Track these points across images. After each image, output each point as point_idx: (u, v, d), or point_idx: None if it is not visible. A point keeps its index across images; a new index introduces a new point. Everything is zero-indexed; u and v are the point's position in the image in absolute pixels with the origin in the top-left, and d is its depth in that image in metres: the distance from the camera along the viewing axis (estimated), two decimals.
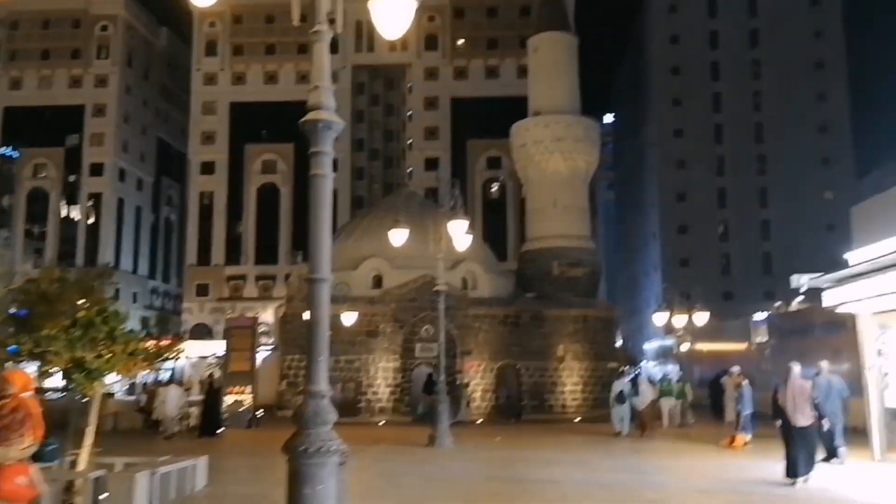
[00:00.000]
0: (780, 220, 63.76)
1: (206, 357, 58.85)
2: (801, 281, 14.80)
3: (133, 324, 64.08)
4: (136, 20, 72.77)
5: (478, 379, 30.58)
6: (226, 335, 25.52)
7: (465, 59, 67.30)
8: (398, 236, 17.56)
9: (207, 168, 67.47)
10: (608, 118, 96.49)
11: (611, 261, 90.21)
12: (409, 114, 68.41)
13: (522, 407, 29.85)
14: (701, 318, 23.71)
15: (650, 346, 57.49)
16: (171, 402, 22.10)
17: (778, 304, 39.91)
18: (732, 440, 18.13)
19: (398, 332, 30.18)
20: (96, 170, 69.02)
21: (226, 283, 66.93)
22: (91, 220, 69.33)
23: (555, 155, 32.62)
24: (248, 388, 23.47)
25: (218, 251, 67.02)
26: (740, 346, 33.27)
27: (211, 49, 68.81)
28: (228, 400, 23.68)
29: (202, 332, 64.33)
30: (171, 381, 24.45)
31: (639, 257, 74.90)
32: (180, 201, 77.38)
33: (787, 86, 64.50)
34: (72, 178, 69.23)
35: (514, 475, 12.87)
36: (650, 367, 54.58)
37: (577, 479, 12.27)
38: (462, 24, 67.49)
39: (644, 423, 22.95)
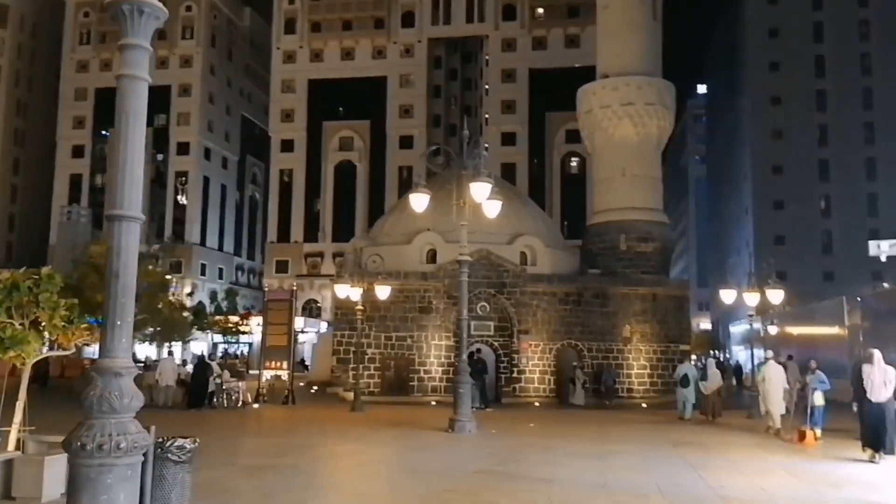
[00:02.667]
0: (889, 193, 58.31)
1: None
2: (883, 248, 12.50)
3: (202, 297, 65.55)
4: (219, 1, 73.78)
5: (535, 360, 28.84)
6: (263, 309, 24.89)
7: (543, 29, 64.80)
8: (419, 201, 16.08)
9: (287, 146, 68.04)
10: (701, 90, 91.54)
11: (702, 239, 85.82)
12: (485, 87, 66.56)
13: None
14: (776, 296, 21.12)
15: (736, 329, 53.82)
16: (166, 374, 21.77)
17: (885, 285, 36.19)
18: (803, 435, 15.81)
19: (451, 309, 28.73)
20: (183, 149, 70.81)
21: (304, 260, 67.44)
22: (179, 198, 71.23)
23: (623, 120, 30.23)
24: (285, 364, 22.69)
25: (297, 228, 67.64)
26: (832, 330, 30.08)
27: (290, 27, 69.05)
28: (266, 375, 23.04)
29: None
30: (169, 353, 24.02)
31: (730, 235, 70.52)
32: (264, 179, 78.54)
33: None
34: (160, 157, 71.16)
35: (510, 471, 11.30)
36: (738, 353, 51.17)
37: (578, 479, 10.55)
38: None
39: (711, 408, 21.32)
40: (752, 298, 21.50)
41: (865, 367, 13.35)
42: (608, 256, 30.59)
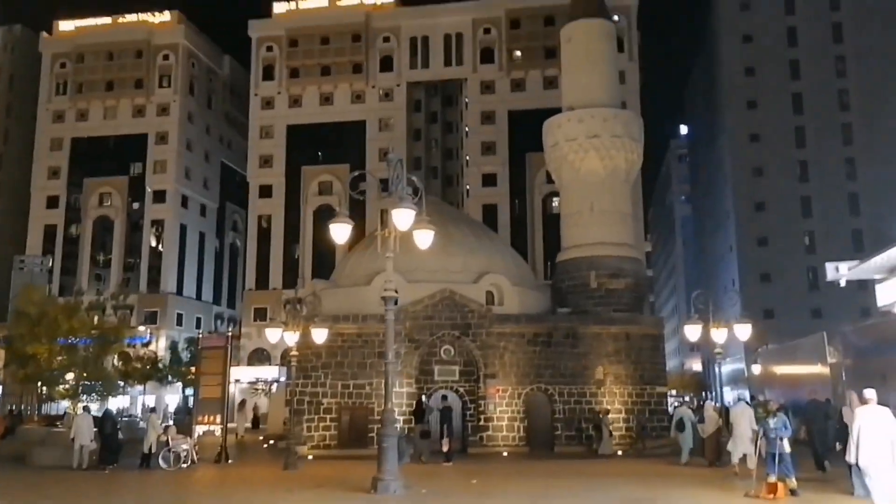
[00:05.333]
0: (874, 228, 57.38)
1: (254, 382, 57.95)
2: (842, 271, 11.19)
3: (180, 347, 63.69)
4: (197, 49, 73.75)
5: (504, 406, 27.29)
6: (197, 357, 23.36)
7: (522, 71, 64.64)
8: (339, 231, 14.81)
9: (265, 191, 67.18)
10: (684, 130, 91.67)
11: (690, 278, 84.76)
12: (465, 129, 66.14)
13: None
14: (743, 331, 19.83)
15: (723, 369, 52.32)
16: (81, 432, 20.18)
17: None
18: (774, 488, 14.11)
19: (413, 354, 27.36)
20: (159, 197, 69.80)
21: (283, 306, 65.83)
22: (154, 247, 69.98)
23: (590, 153, 29.31)
24: (219, 417, 21.03)
25: (276, 275, 66.30)
26: (814, 369, 28.69)
27: (268, 73, 68.84)
28: (199, 430, 21.39)
29: (260, 357, 63.55)
30: (84, 409, 22.25)
31: (717, 273, 69.43)
32: (244, 226, 77.48)
33: (877, 82, 58.57)
34: (135, 205, 70.16)
35: None
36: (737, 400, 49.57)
37: None
38: (518, 34, 64.98)
39: (712, 452, 20.16)
40: (719, 335, 20.22)
41: (845, 412, 11.81)
42: (578, 294, 29.31)
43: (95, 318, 46.08)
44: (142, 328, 64.20)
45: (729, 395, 46.48)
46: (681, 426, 21.46)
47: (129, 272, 69.40)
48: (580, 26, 30.54)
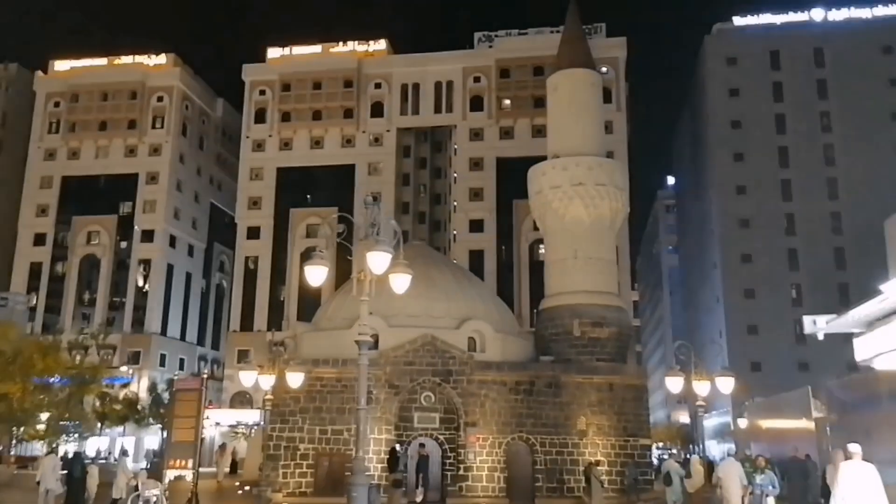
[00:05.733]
0: (860, 282, 57.54)
1: (235, 426, 56.90)
2: (820, 324, 11.01)
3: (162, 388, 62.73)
4: (191, 91, 74.36)
5: (484, 455, 26.79)
6: (170, 400, 22.87)
7: (511, 119, 65.37)
8: (314, 273, 14.56)
9: (253, 233, 67.16)
10: (672, 181, 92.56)
11: (678, 329, 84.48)
12: (454, 175, 66.56)
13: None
14: (725, 384, 19.59)
15: (709, 422, 51.77)
16: (46, 476, 19.51)
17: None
18: None
19: (393, 400, 26.94)
20: (147, 236, 69.54)
21: (269, 348, 65.16)
22: (140, 287, 69.46)
23: (574, 201, 29.40)
24: (190, 462, 20.51)
25: (261, 316, 65.83)
26: (799, 423, 28.33)
27: (260, 116, 69.43)
28: (170, 475, 20.80)
29: (243, 399, 62.58)
30: (50, 451, 21.42)
31: (705, 324, 69.28)
32: (232, 267, 77.12)
33: (862, 138, 59.49)
34: (123, 244, 69.85)
35: None
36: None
37: None
38: (508, 83, 65.88)
39: None
40: (701, 387, 19.92)
41: (829, 471, 11.25)
42: (562, 342, 29.08)
43: (78, 358, 45.39)
44: (124, 368, 63.35)
45: (715, 448, 45.88)
46: (668, 480, 21.02)
47: (114, 311, 68.76)
48: (566, 76, 30.95)
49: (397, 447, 25.37)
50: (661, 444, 49.87)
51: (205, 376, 23.37)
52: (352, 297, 30.26)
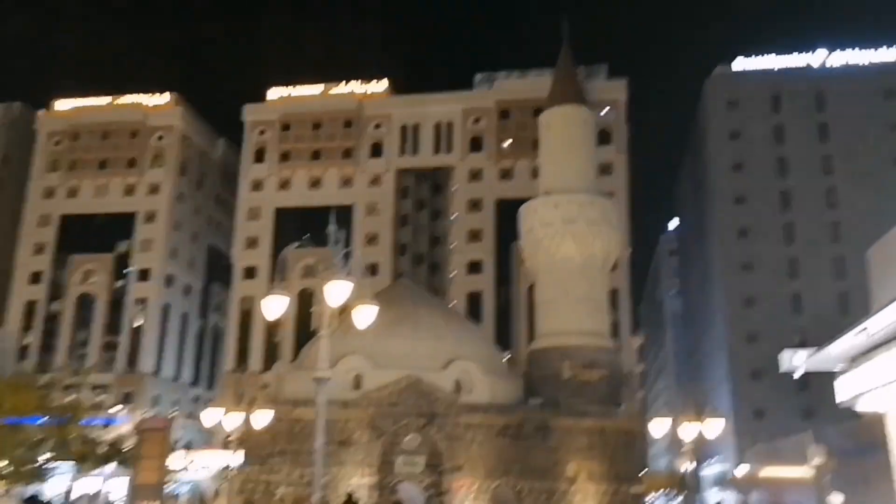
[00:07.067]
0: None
1: (226, 468, 55.49)
2: (797, 361, 10.19)
3: None
4: (192, 131, 74.62)
5: (469, 501, 25.65)
6: (136, 441, 21.96)
7: (510, 160, 65.19)
8: (272, 306, 13.86)
9: (250, 273, 66.60)
10: (674, 225, 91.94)
11: (682, 374, 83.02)
12: (452, 216, 66.09)
13: None
14: (713, 428, 18.59)
15: (710, 470, 50.28)
16: None
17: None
18: None
19: (376, 443, 25.93)
20: (144, 275, 69.02)
21: (261, 390, 64.10)
22: (136, 326, 68.68)
23: (566, 239, 28.79)
24: None
25: (256, 357, 64.95)
26: (798, 472, 27.17)
27: (259, 156, 69.57)
28: None
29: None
30: (31, 498, 20.41)
31: (710, 369, 67.88)
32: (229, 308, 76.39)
33: (864, 181, 58.93)
34: (119, 283, 69.28)
35: None
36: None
37: None
38: (507, 125, 65.92)
39: None
40: (689, 432, 18.92)
41: None
42: (551, 384, 28.13)
43: (67, 398, 44.28)
44: (118, 408, 62.16)
45: (714, 496, 44.25)
46: None
47: (109, 350, 67.91)
48: (558, 112, 30.62)
49: (353, 494, 24.14)
50: (659, 492, 47.92)
51: (171, 416, 22.45)
52: (336, 335, 29.45)
